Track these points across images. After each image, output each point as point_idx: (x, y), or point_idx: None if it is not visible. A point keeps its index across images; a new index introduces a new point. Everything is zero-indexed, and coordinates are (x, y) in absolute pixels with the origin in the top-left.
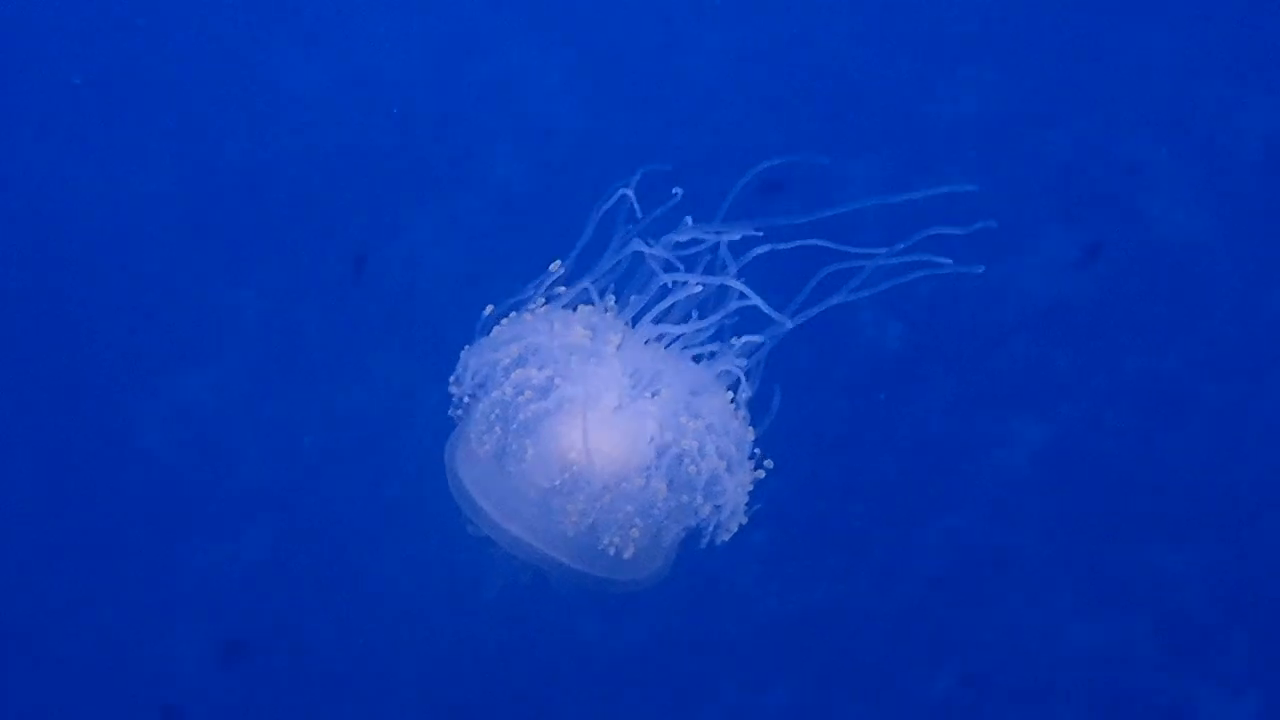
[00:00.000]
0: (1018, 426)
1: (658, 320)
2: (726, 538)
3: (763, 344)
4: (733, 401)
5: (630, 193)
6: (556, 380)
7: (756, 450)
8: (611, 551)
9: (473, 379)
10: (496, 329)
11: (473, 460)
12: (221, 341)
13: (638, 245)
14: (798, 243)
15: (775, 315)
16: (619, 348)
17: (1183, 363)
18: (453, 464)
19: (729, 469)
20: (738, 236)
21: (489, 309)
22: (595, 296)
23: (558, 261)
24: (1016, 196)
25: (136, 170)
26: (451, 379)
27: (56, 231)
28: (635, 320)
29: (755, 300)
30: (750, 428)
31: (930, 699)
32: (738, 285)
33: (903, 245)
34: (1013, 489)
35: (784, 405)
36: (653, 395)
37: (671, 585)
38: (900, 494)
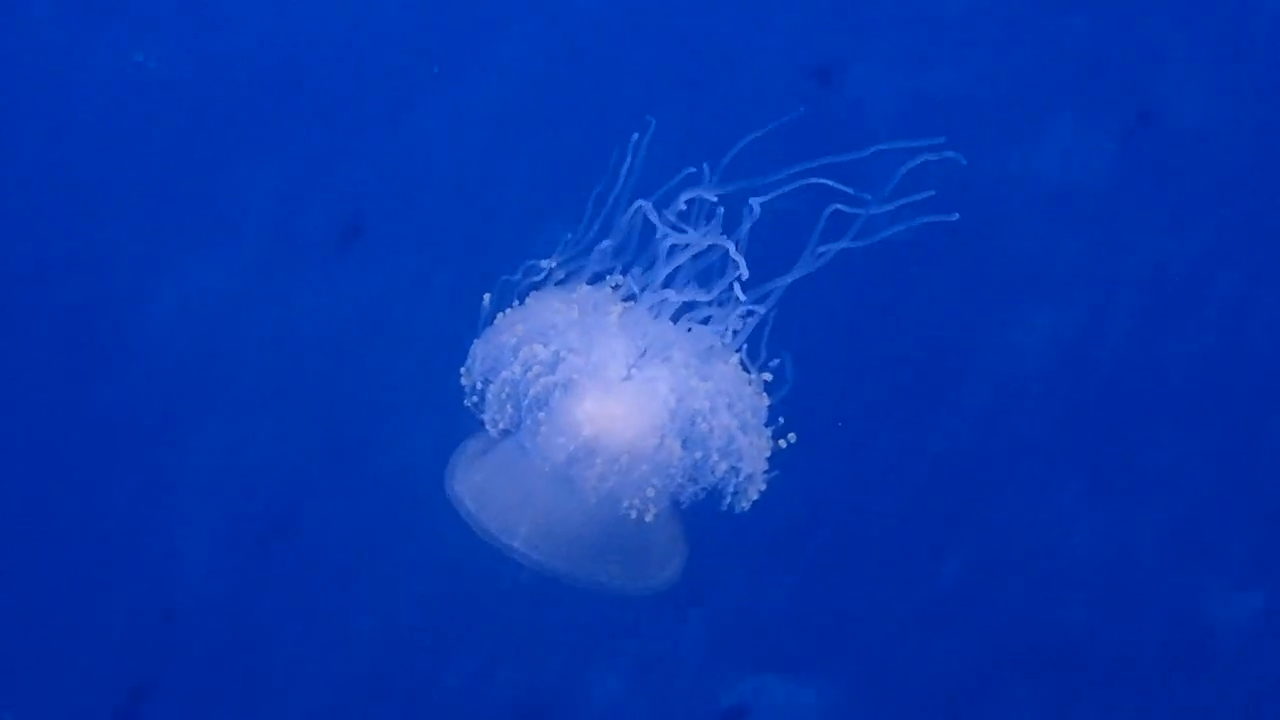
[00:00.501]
0: (1027, 313)
1: (664, 286)
2: (747, 505)
3: (771, 294)
4: (743, 367)
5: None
6: (563, 354)
7: (780, 419)
8: (633, 514)
9: (482, 366)
10: (500, 316)
11: (487, 471)
12: (232, 225)
13: (644, 208)
14: (805, 180)
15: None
16: (620, 318)
17: (1198, 250)
18: (466, 484)
19: (743, 429)
20: (748, 201)
21: (487, 298)
22: (600, 272)
23: (553, 259)
24: (1032, 82)
25: (152, 47)
26: (462, 370)
27: (67, 108)
28: (641, 288)
29: (738, 259)
30: (765, 394)
31: (935, 589)
32: (731, 249)
33: (914, 143)
34: (1021, 377)
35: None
36: (661, 361)
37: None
38: (907, 383)
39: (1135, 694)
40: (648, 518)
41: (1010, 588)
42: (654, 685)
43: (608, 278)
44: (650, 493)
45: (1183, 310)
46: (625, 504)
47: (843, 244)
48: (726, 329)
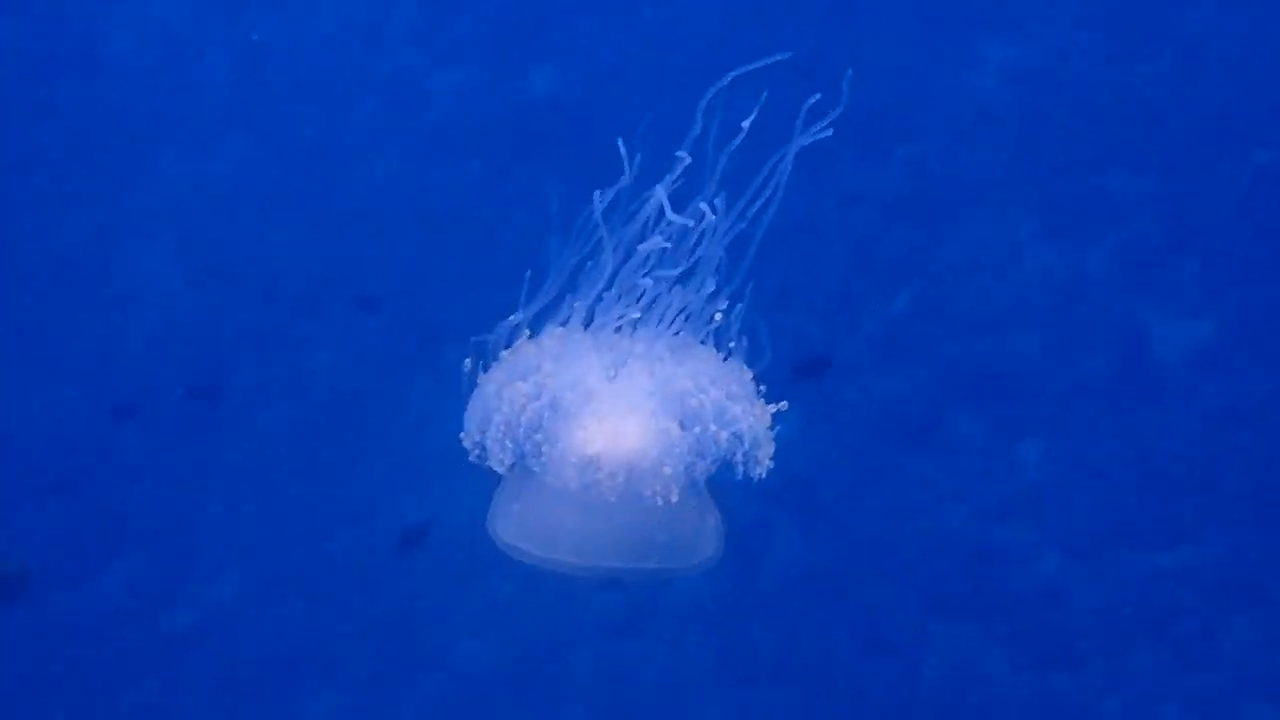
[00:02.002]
0: (985, 48)
1: (623, 298)
2: (762, 471)
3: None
4: (718, 351)
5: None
6: (544, 382)
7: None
8: (659, 501)
9: (476, 422)
10: (481, 378)
11: (518, 504)
12: None
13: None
14: None
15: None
16: (589, 337)
17: None
18: (502, 523)
19: (731, 398)
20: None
21: (467, 363)
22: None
23: (516, 315)
24: None
25: None
26: (462, 436)
27: None
28: (600, 310)
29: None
30: (746, 368)
31: (887, 321)
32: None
33: None
34: (978, 113)
35: None
36: (637, 360)
37: None
38: (865, 118)
39: (1084, 422)
40: (673, 499)
41: (962, 320)
42: None
43: (567, 307)
44: (666, 475)
45: (1140, 43)
46: (648, 494)
47: None
48: (692, 321)
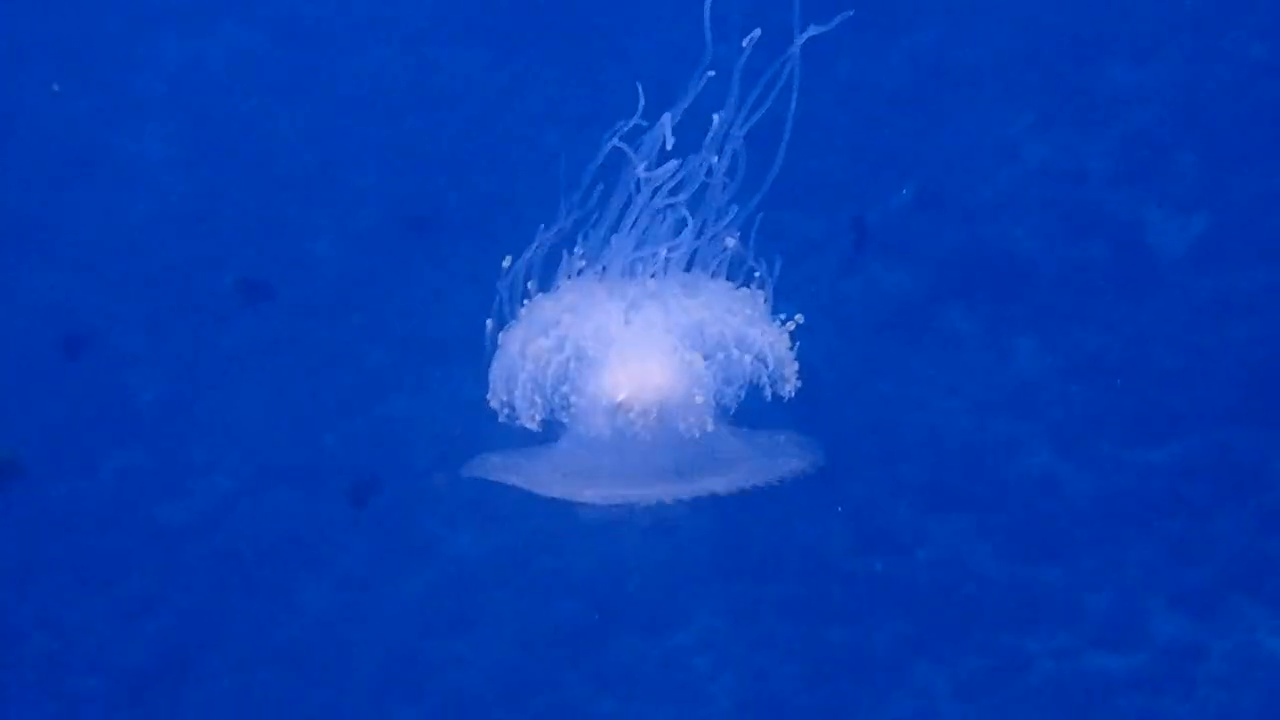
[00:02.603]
0: None
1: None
2: (790, 389)
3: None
4: (730, 280)
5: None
6: (564, 334)
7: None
8: (695, 432)
9: (502, 383)
10: (501, 338)
11: (556, 458)
12: None
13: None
14: None
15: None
16: (602, 286)
17: None
18: (532, 482)
19: (748, 322)
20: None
21: (488, 325)
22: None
23: (508, 258)
24: None
25: None
26: (488, 397)
27: None
28: (609, 258)
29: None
30: (759, 292)
31: (886, 214)
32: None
33: None
34: (976, 6)
35: None
36: (651, 300)
37: None
38: (864, 11)
39: (1079, 313)
40: (709, 428)
41: (961, 212)
42: None
43: (576, 259)
44: (698, 404)
45: None
46: (682, 426)
47: None
48: (702, 252)
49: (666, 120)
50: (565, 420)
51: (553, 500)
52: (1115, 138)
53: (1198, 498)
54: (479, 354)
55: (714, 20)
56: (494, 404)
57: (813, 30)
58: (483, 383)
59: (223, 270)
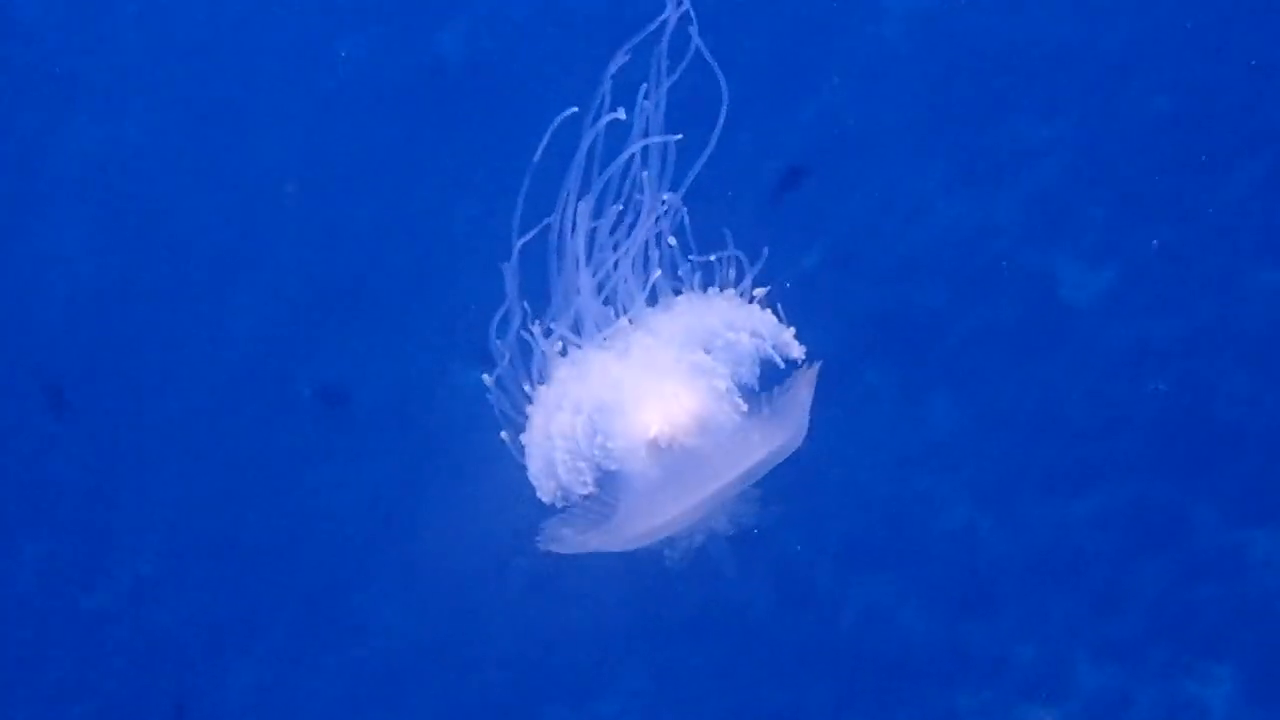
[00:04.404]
0: (887, 1)
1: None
2: (797, 353)
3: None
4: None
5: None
6: (578, 401)
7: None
8: (735, 419)
9: (546, 472)
10: (525, 440)
11: (600, 515)
12: None
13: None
14: None
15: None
16: (590, 351)
17: None
18: (609, 540)
19: (728, 309)
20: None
21: (504, 436)
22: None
23: (488, 377)
24: None
25: None
26: (537, 493)
27: None
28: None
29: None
30: (722, 287)
31: (797, 277)
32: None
33: None
34: (883, 64)
35: None
36: (635, 333)
37: None
38: (771, 74)
39: (993, 369)
40: (744, 408)
41: (873, 272)
42: None
43: (551, 340)
44: (723, 390)
45: None
46: (723, 419)
47: None
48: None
49: (579, 202)
50: (613, 467)
51: (633, 549)
52: (1023, 193)
53: (1118, 549)
54: (401, 426)
55: (622, 87)
56: (546, 498)
57: (723, 95)
58: (417, 453)
59: (140, 352)
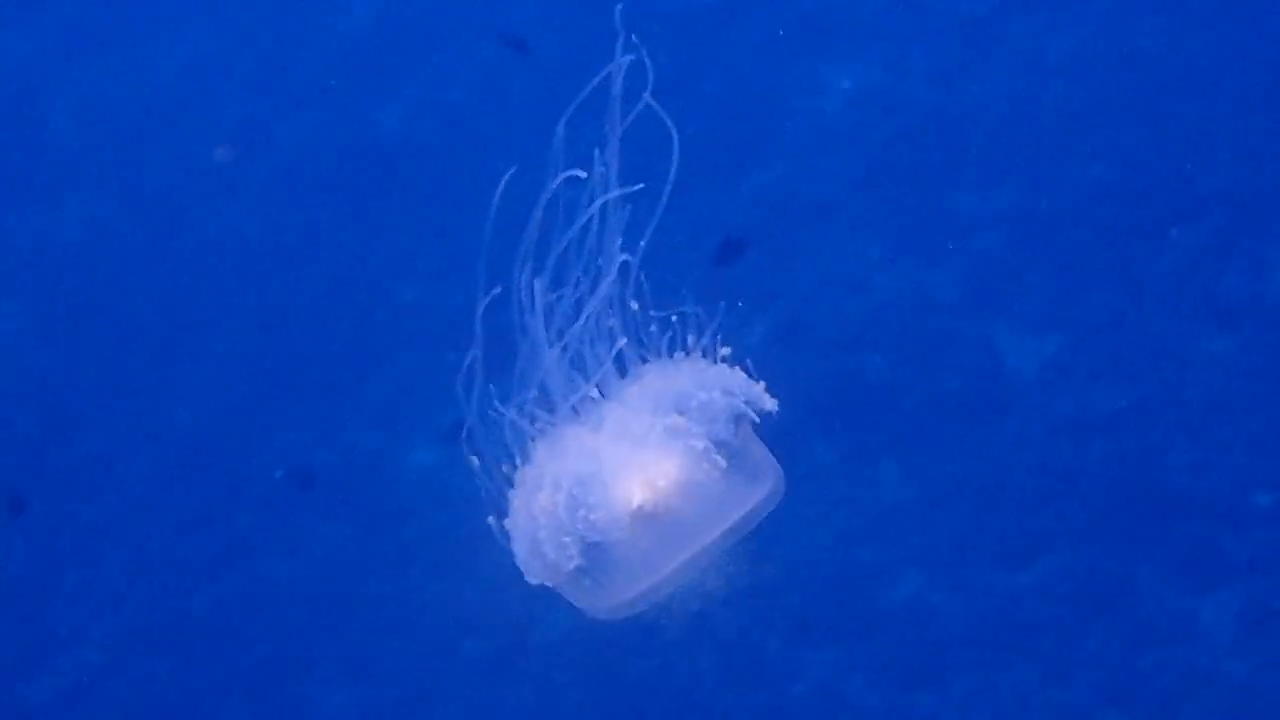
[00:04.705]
0: (827, 73)
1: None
2: (772, 405)
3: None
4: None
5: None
6: (556, 478)
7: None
8: (716, 477)
9: (531, 552)
10: (509, 526)
11: (591, 586)
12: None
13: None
14: None
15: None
16: (559, 429)
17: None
18: (590, 608)
19: (697, 371)
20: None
21: (492, 522)
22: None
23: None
24: None
25: None
26: (527, 579)
27: None
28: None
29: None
30: (685, 351)
31: (741, 350)
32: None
33: None
34: (823, 139)
35: None
36: (607, 405)
37: None
38: (709, 154)
39: (938, 440)
40: (722, 464)
41: (816, 344)
42: None
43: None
44: (700, 449)
45: (976, 63)
46: (701, 478)
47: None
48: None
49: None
50: (597, 538)
51: (627, 611)
52: (963, 264)
53: (1066, 617)
54: (348, 506)
55: (568, 162)
56: (535, 581)
57: (670, 167)
58: (364, 533)
59: (82, 442)
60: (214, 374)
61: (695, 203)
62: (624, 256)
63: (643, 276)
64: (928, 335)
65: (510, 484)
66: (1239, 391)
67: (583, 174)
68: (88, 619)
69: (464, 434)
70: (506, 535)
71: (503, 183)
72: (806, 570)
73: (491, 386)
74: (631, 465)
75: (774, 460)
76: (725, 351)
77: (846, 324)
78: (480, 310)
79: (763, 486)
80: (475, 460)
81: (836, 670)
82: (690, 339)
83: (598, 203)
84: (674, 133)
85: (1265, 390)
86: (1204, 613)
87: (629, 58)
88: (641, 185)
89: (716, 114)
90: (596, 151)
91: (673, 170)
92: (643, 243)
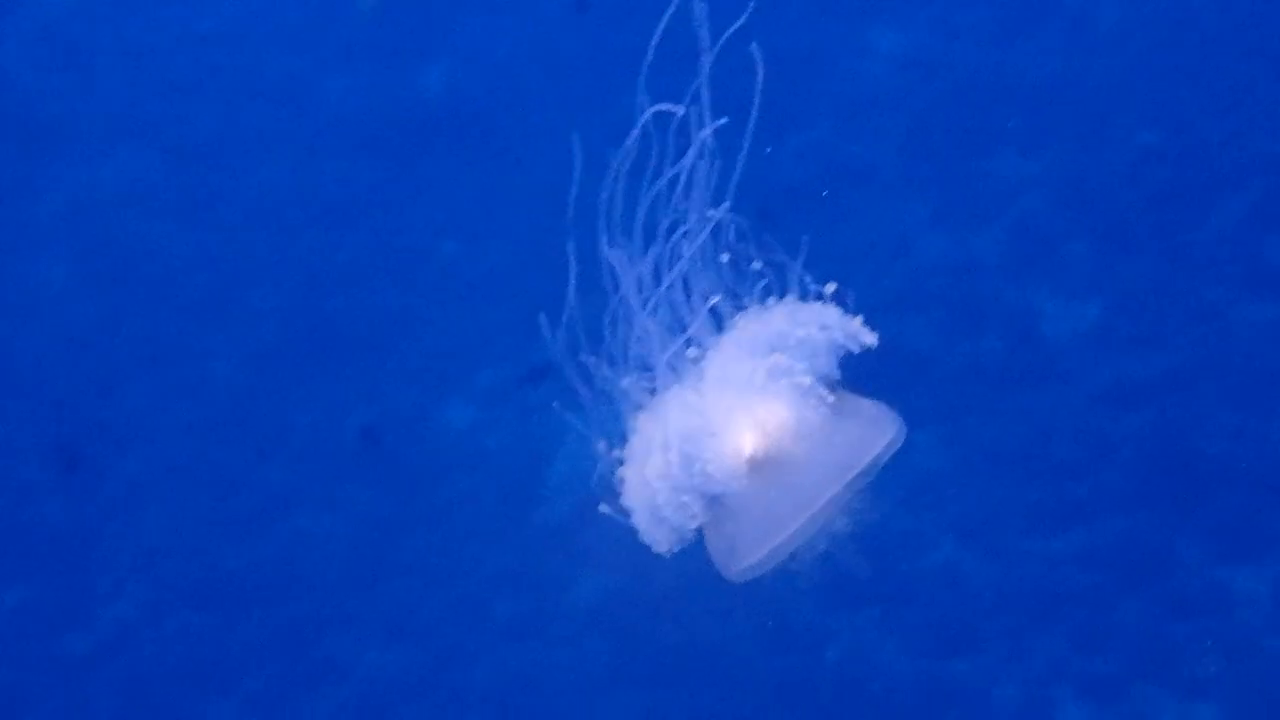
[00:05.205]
0: (873, 37)
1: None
2: (871, 339)
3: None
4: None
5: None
6: (664, 439)
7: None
8: (824, 415)
9: (653, 519)
10: (625, 498)
11: (723, 547)
12: None
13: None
14: None
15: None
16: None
17: None
18: (727, 567)
19: (790, 310)
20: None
21: (603, 505)
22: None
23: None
24: None
25: None
26: (654, 550)
27: None
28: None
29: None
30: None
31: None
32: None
33: None
34: (868, 101)
35: None
36: (704, 360)
37: None
38: (757, 108)
39: (977, 406)
40: (830, 400)
41: (857, 308)
42: None
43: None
44: (806, 384)
45: (1025, 26)
46: (811, 416)
47: None
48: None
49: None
50: (717, 490)
51: (763, 566)
52: (1007, 228)
53: (1101, 586)
54: (386, 465)
55: (608, 126)
56: (662, 550)
57: (710, 128)
58: (401, 492)
59: (123, 396)
60: (253, 330)
61: (741, 163)
62: (715, 211)
63: (730, 229)
64: (968, 300)
65: (619, 463)
66: None
67: (679, 108)
68: (126, 574)
69: (583, 402)
70: (625, 513)
71: (577, 147)
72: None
73: (590, 357)
74: (739, 413)
75: (885, 405)
76: (830, 288)
77: (888, 287)
78: (572, 280)
79: (882, 427)
80: (598, 443)
81: (869, 636)
82: (773, 286)
83: (694, 146)
84: (757, 72)
85: None
86: (1241, 582)
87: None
88: (725, 119)
89: (762, 73)
90: (694, 86)
91: (752, 119)
92: (727, 202)
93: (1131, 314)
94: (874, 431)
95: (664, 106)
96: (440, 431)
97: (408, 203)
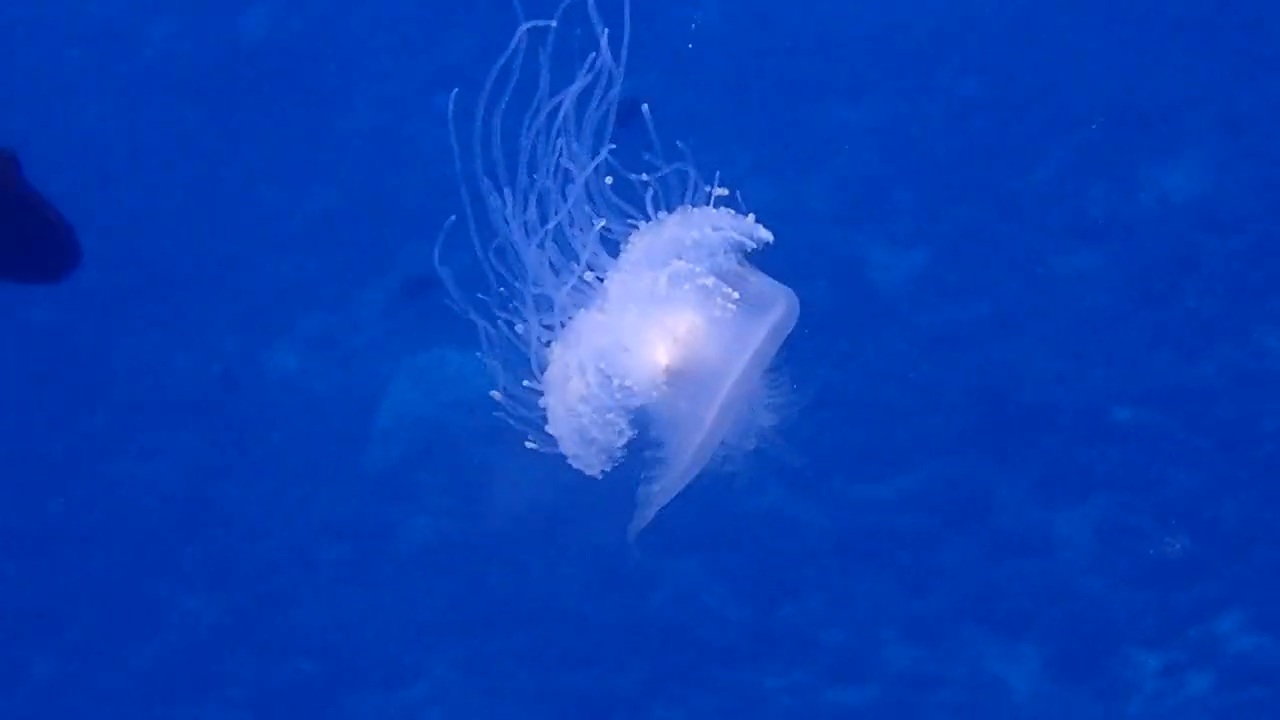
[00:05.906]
0: None
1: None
2: (767, 234)
3: None
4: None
5: None
6: (580, 362)
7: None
8: (728, 311)
9: (579, 441)
10: (548, 428)
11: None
12: None
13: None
14: None
15: None
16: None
17: None
18: (673, 476)
19: (679, 216)
20: None
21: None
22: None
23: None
24: None
25: None
26: (585, 472)
27: None
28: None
29: None
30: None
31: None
32: None
33: None
34: (693, 50)
35: None
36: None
37: None
38: (578, 58)
39: (805, 351)
40: (735, 295)
41: None
42: None
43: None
44: (709, 285)
45: None
46: (718, 312)
47: None
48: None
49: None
50: (640, 405)
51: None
52: (832, 177)
53: (925, 529)
54: (207, 412)
55: (434, 68)
56: (594, 471)
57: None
58: (222, 439)
59: None
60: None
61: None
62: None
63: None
64: (795, 247)
65: (537, 395)
66: (1102, 307)
67: (552, 23)
68: None
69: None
70: (552, 441)
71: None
72: None
73: (482, 296)
74: (648, 324)
75: (780, 284)
76: (720, 192)
77: None
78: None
79: (778, 306)
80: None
81: (696, 579)
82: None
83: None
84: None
85: (1127, 306)
86: (1061, 524)
87: None
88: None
89: (584, 22)
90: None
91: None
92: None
93: (956, 262)
94: (768, 311)
95: (536, 23)
96: (265, 377)
97: (228, 148)
